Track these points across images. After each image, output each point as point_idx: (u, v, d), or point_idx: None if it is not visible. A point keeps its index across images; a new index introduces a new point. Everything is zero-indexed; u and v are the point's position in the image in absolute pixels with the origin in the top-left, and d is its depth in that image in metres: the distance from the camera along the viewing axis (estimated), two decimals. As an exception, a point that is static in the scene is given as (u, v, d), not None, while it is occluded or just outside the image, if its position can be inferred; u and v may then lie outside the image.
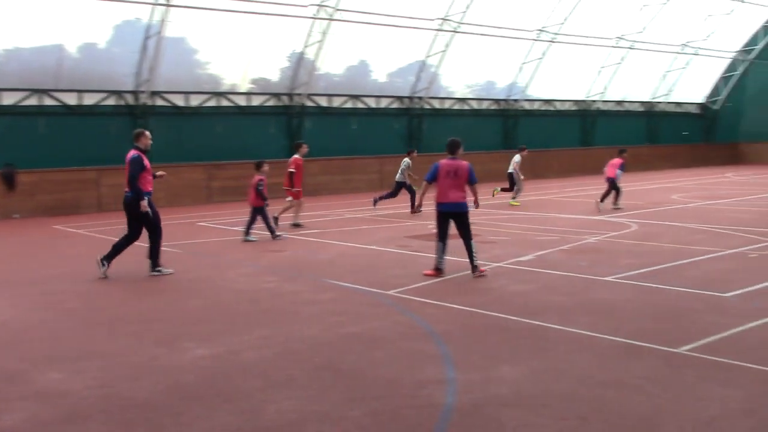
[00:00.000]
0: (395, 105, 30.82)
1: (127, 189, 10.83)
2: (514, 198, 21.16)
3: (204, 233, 16.19)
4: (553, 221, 16.71)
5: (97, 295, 9.85)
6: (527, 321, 7.82)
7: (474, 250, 10.35)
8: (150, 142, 11.15)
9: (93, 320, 8.46)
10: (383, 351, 6.88)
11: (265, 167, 14.88)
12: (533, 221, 16.76)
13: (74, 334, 7.88)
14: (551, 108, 36.66)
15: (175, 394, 5.87)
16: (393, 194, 19.36)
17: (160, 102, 24.70)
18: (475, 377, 6.05)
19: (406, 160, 19.55)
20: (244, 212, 15.69)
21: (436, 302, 8.79)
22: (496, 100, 34.51)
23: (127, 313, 8.77)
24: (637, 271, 10.37)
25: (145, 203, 10.70)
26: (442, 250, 10.43)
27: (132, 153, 10.85)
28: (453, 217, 10.45)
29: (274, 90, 27.93)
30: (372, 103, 30.17)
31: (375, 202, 19.38)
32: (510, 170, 21.30)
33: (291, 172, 16.11)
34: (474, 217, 17.43)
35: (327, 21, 26.71)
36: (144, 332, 7.81)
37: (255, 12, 25.20)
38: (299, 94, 27.51)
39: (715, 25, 39.25)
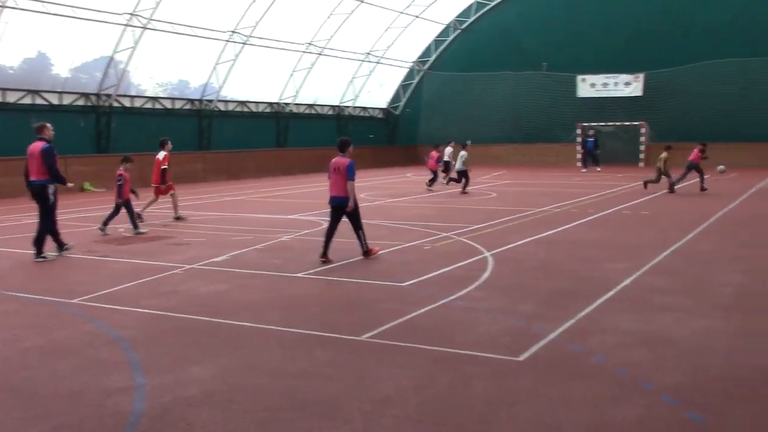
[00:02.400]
0: (81, 102, 28.97)
1: (33, 177, 11.76)
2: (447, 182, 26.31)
3: None
4: (249, 221, 16.93)
5: None
6: (219, 320, 7.87)
7: (363, 238, 11.55)
8: (53, 133, 12.09)
9: None
10: (66, 362, 6.50)
11: (128, 164, 15.31)
12: (229, 222, 16.83)
13: None
14: (246, 109, 37.04)
15: None
16: (459, 179, 24.08)
17: None
18: (165, 380, 5.97)
19: (464, 153, 24.06)
20: None
21: (124, 308, 8.47)
22: (191, 100, 34.01)
23: None
24: (325, 267, 10.91)
25: (53, 189, 11.78)
26: (327, 239, 11.38)
27: (42, 144, 11.73)
28: (338, 209, 11.50)
29: (-65, 82, 24.77)
30: (54, 99, 28.04)
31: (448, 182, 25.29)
32: (447, 162, 26.91)
33: (164, 169, 17.08)
34: (169, 220, 17.11)
35: (-2, 8, 24.31)
36: None
37: None
38: (-34, 87, 24.71)
39: (395, 37, 42.55)
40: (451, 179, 25.48)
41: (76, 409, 5.41)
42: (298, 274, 10.40)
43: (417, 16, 41.98)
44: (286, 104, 38.91)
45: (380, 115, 46.88)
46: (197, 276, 10.41)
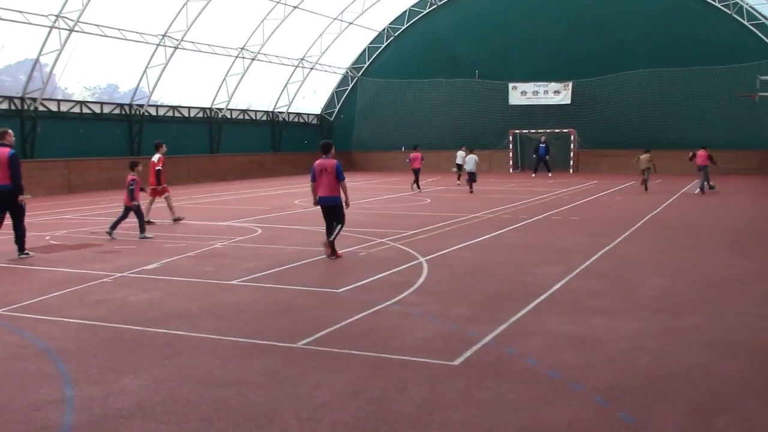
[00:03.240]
0: (5, 106, 28.04)
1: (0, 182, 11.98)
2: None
3: None
4: (182, 228, 16.67)
5: None
6: (151, 330, 7.72)
7: (338, 233, 12.19)
8: (14, 139, 12.62)
9: None
10: (-10, 376, 6.27)
11: (139, 167, 15.84)
12: (162, 229, 16.53)
13: None
14: (178, 114, 36.45)
15: None
16: (473, 179, 26.87)
17: None
18: (95, 392, 5.82)
19: (475, 156, 27.28)
20: None
21: (52, 318, 8.23)
22: (120, 105, 33.27)
23: None
24: (260, 274, 10.82)
25: (23, 197, 12.24)
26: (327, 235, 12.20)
27: (8, 150, 12.11)
28: (327, 208, 12.21)
29: None
30: (-25, 102, 27.09)
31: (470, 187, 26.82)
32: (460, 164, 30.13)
33: (159, 170, 17.62)
34: (98, 227, 16.71)
35: None
36: None
37: None
38: None
39: (329, 43, 42.55)
40: (469, 180, 27.34)
41: (2, 423, 5.22)
42: (232, 282, 10.29)
43: (351, 23, 42.10)
44: (219, 110, 38.47)
45: (315, 121, 46.76)
46: (128, 284, 10.19)
